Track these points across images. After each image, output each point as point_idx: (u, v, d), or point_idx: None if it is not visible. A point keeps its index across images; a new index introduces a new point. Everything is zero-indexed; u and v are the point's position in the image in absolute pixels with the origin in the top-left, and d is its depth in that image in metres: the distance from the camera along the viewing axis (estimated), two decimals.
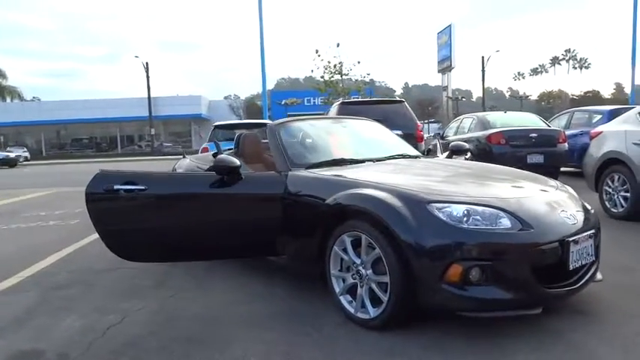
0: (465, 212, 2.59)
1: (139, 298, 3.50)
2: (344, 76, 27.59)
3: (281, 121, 4.01)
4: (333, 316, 3.00)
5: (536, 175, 3.45)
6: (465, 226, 2.54)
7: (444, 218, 2.56)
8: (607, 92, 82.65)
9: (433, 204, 2.63)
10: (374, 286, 2.76)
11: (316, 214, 3.09)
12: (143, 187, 3.20)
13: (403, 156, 3.95)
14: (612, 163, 5.77)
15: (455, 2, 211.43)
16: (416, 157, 4.05)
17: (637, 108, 5.88)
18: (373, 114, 8.33)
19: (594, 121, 10.14)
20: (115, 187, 3.14)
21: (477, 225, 2.54)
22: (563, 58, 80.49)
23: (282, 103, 51.21)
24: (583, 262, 2.74)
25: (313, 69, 27.19)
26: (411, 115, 9.00)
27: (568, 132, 9.96)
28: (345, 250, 2.93)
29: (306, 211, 3.21)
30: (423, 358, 2.46)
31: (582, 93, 70.76)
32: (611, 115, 9.81)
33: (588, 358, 2.41)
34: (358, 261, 2.86)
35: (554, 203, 2.88)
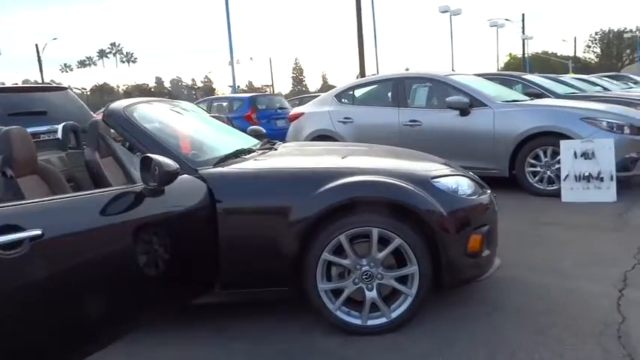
0: (456, 183, 2.62)
1: None
2: None
3: (126, 103, 2.68)
4: (327, 337, 2.46)
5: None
6: (463, 195, 2.58)
7: (448, 191, 2.53)
8: (152, 84, 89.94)
9: (434, 179, 2.54)
10: (394, 282, 2.42)
11: (289, 219, 2.36)
12: (39, 233, 1.57)
13: (270, 142, 3.40)
14: (322, 138, 6.66)
15: None
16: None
17: (331, 92, 6.99)
18: (33, 104, 6.55)
19: (235, 107, 11.20)
20: None
21: (468, 194, 2.62)
22: (110, 52, 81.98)
23: None
24: None
25: None
26: (81, 104, 7.44)
27: None
28: (339, 254, 2.41)
29: (264, 220, 2.41)
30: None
31: (130, 85, 74.44)
32: (251, 102, 11.12)
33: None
34: (364, 261, 2.42)
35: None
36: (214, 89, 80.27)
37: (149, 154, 2.01)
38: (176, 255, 2.17)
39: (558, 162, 5.00)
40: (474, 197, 2.62)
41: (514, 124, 5.25)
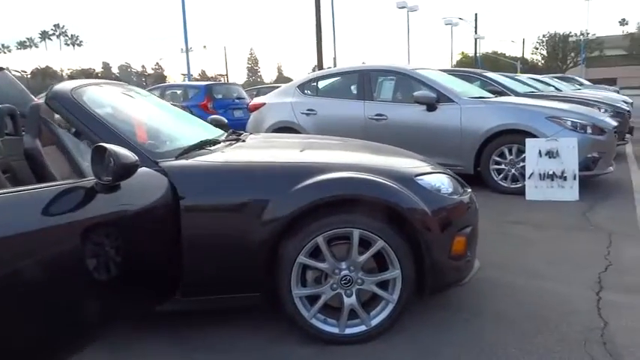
0: (439, 182, 2.47)
1: None
2: None
3: (74, 84, 2.35)
4: (302, 346, 2.25)
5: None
6: (445, 194, 2.44)
7: (432, 190, 2.37)
8: (99, 69, 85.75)
9: (418, 177, 2.38)
10: (374, 288, 2.24)
11: (261, 219, 2.14)
12: None
13: (235, 132, 3.14)
14: (283, 130, 6.41)
15: None
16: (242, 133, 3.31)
17: (293, 83, 6.74)
18: None
19: (191, 95, 10.74)
20: None
21: (449, 192, 2.47)
22: (54, 34, 77.86)
23: None
24: None
25: None
26: (21, 87, 6.83)
27: None
28: (316, 257, 2.21)
29: (234, 219, 2.17)
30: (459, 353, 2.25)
31: (74, 69, 70.63)
32: (207, 90, 10.69)
33: None
34: (343, 265, 2.22)
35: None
36: (166, 77, 77.33)
37: (103, 144, 1.72)
38: (133, 259, 1.90)
39: (523, 160, 4.99)
40: (455, 196, 2.48)
41: (481, 121, 5.21)
